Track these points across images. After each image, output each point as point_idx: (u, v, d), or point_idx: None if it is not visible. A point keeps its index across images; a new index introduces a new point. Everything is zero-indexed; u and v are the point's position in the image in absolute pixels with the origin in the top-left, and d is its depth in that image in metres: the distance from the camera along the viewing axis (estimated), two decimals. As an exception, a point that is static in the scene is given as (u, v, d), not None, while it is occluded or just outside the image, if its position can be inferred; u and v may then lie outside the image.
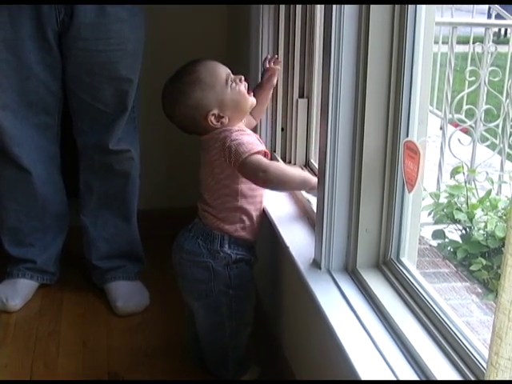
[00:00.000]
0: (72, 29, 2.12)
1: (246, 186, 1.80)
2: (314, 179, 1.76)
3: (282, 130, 2.20)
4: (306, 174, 1.85)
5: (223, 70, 1.80)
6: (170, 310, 2.35)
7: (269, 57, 1.99)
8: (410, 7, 1.42)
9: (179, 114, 1.80)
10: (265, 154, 1.77)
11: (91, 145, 2.32)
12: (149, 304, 2.40)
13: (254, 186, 1.79)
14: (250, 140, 1.77)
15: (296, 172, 1.84)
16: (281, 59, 2.12)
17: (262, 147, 1.78)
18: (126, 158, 2.34)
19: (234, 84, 1.79)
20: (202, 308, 1.91)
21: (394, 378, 1.27)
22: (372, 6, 1.43)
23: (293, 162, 2.17)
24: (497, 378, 0.88)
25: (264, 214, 1.91)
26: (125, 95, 2.23)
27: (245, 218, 1.83)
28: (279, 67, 2.00)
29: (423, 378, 1.27)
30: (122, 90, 2.22)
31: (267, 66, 1.96)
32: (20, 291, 2.40)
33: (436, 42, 3.37)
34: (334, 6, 1.46)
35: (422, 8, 1.42)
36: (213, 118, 1.77)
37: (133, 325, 2.31)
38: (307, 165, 2.16)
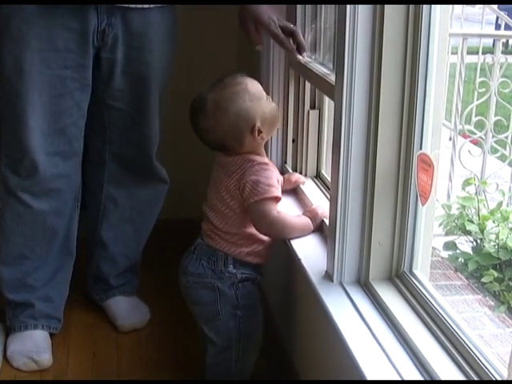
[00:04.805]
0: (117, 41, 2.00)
1: None
2: (316, 221, 1.81)
3: (293, 141, 2.19)
4: (305, 223, 1.81)
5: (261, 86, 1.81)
6: (178, 320, 2.33)
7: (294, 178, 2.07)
8: (424, 18, 1.41)
9: (224, 124, 1.73)
10: (276, 199, 1.76)
11: (132, 156, 2.23)
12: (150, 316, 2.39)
13: None
14: (269, 180, 1.74)
15: (297, 223, 1.81)
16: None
17: (277, 192, 1.76)
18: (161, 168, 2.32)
19: (270, 100, 1.81)
20: (211, 332, 1.85)
21: (409, 392, 1.27)
22: (386, 18, 1.43)
23: (304, 173, 2.16)
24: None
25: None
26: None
27: (255, 244, 1.81)
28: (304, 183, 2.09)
29: (437, 391, 1.26)
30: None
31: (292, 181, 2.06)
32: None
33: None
34: (348, 17, 1.45)
35: (436, 19, 1.42)
36: (257, 132, 1.75)
37: (142, 336, 2.31)
38: (318, 176, 2.15)
